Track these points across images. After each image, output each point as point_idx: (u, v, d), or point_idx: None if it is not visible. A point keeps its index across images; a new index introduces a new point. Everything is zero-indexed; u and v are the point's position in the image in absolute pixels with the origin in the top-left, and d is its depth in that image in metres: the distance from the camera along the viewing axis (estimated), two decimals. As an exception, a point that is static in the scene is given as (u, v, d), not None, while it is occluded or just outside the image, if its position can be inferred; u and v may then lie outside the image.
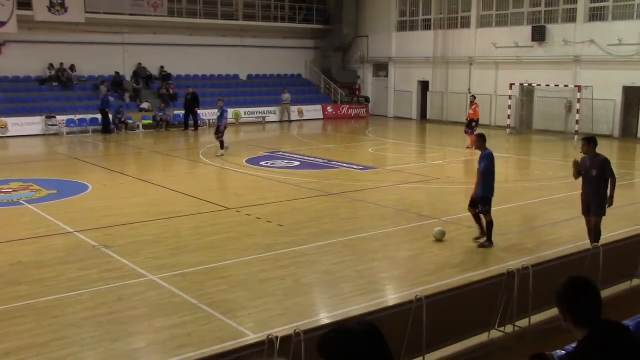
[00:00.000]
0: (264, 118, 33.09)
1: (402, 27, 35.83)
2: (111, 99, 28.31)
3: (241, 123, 32.00)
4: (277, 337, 5.11)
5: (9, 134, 26.31)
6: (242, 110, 32.45)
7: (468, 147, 22.27)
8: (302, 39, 37.52)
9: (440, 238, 10.93)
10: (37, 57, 29.16)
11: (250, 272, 9.45)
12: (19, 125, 26.69)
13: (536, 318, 7.24)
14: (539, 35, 28.60)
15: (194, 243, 11.00)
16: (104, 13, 29.81)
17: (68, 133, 27.05)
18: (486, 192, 10.54)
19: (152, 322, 7.64)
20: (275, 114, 33.56)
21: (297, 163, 19.84)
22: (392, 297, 8.59)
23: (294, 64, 37.45)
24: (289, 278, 9.16)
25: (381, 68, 37.31)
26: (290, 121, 33.50)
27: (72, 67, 30.17)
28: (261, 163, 19.73)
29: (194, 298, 8.27)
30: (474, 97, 24.57)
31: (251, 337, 6.97)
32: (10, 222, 12.47)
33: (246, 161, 20.07)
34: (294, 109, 34.03)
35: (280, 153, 21.98)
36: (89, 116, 27.78)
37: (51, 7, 28.00)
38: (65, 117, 27.38)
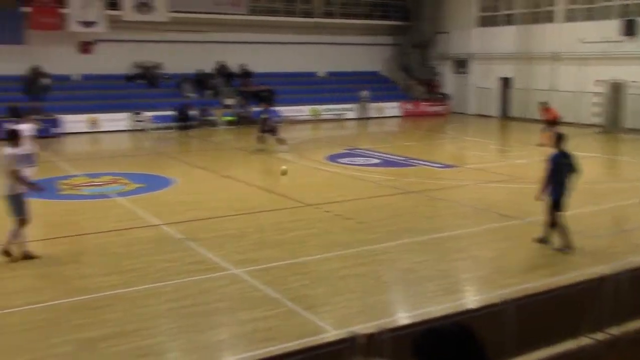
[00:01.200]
0: (342, 115, 33.14)
1: (483, 22, 35.07)
2: (192, 95, 29.25)
3: (320, 120, 32.20)
4: (360, 335, 5.10)
5: (99, 129, 27.46)
6: (320, 107, 32.65)
7: (542, 145, 21.24)
8: (380, 36, 37.36)
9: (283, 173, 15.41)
10: (124, 56, 30.25)
11: (331, 268, 9.50)
12: (107, 121, 27.79)
13: (628, 326, 6.94)
14: (628, 29, 27.35)
15: (276, 238, 11.14)
16: (187, 12, 30.64)
17: (153, 129, 27.96)
18: (556, 195, 10.08)
19: (235, 315, 7.80)
20: (353, 110, 33.55)
21: (376, 160, 19.76)
22: (475, 297, 8.43)
23: (372, 60, 37.28)
24: (370, 275, 9.15)
25: (461, 64, 36.64)
26: (369, 118, 33.41)
27: (158, 65, 31.16)
28: (340, 160, 19.77)
29: (276, 292, 8.38)
30: (545, 102, 23.75)
31: (332, 334, 7.00)
32: (102, 214, 13.01)
33: (326, 158, 20.16)
34: (372, 105, 33.92)
35: (360, 150, 21.94)
36: (173, 113, 28.61)
37: (138, 7, 29.06)
38: (151, 114, 28.35)
